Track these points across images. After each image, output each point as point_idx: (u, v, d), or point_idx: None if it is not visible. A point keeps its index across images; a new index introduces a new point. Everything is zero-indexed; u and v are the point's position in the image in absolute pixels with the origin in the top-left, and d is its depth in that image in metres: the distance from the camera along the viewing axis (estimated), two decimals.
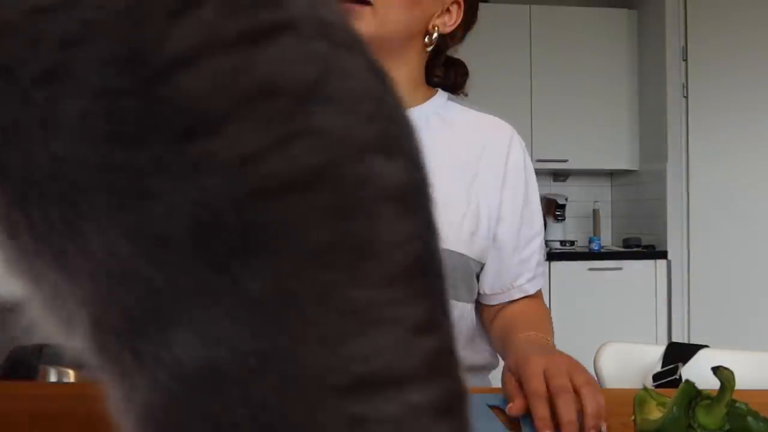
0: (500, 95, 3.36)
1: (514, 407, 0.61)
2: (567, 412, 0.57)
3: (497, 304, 0.92)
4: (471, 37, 0.98)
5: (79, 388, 0.86)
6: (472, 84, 1.05)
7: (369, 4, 0.79)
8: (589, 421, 0.57)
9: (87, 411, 0.69)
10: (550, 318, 0.90)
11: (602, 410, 0.59)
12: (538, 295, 0.93)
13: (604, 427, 0.58)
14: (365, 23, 0.79)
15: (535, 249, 0.91)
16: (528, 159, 0.93)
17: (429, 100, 0.91)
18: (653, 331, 3.18)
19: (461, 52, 1.01)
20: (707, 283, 3.15)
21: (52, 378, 1.64)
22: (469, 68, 1.02)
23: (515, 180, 0.90)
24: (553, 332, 0.86)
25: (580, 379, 0.61)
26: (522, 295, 0.91)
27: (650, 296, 3.18)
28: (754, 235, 3.14)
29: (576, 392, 0.60)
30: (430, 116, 0.90)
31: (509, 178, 0.90)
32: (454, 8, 0.88)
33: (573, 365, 0.64)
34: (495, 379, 0.97)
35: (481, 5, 0.95)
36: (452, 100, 0.95)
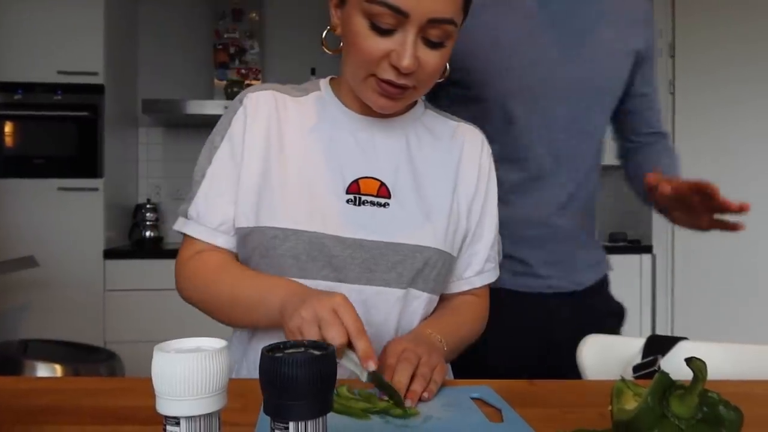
0: None
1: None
2: (401, 376, 0.71)
3: (447, 294, 0.96)
4: None
5: (64, 382, 0.86)
6: None
7: (413, 87, 0.82)
8: (414, 385, 0.71)
9: (73, 405, 0.69)
10: (475, 320, 0.95)
11: (426, 380, 0.72)
12: (481, 292, 0.98)
13: (426, 394, 0.71)
14: (406, 100, 0.85)
15: (484, 246, 0.96)
16: (492, 165, 0.98)
17: (412, 108, 0.95)
18: (637, 324, 3.21)
19: None
20: (691, 278, 3.19)
21: (38, 373, 1.63)
22: None
23: (482, 180, 0.95)
24: (465, 331, 0.92)
25: (425, 360, 0.74)
26: (469, 287, 0.96)
27: (635, 290, 3.21)
28: None
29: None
30: (416, 124, 0.94)
31: (480, 178, 0.95)
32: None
33: (430, 353, 0.76)
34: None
35: None
36: (428, 107, 0.99)
